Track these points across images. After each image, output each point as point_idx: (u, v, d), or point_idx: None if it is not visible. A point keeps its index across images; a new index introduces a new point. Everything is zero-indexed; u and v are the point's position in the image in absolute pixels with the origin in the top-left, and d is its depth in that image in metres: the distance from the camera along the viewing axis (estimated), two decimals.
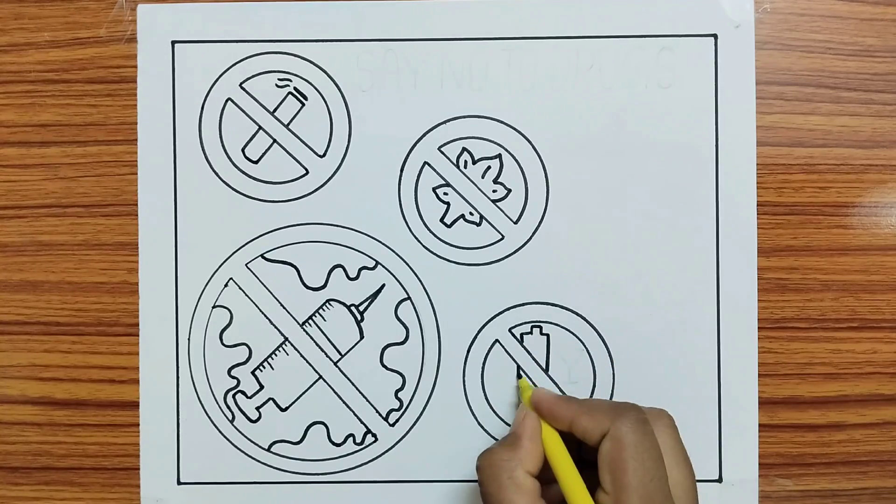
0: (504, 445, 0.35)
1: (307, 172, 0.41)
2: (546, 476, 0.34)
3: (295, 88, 0.41)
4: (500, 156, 0.41)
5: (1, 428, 0.42)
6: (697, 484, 0.40)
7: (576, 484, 0.33)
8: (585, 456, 0.35)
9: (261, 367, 0.41)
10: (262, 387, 0.41)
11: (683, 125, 0.41)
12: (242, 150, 0.42)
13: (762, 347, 0.41)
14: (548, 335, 0.41)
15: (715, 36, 0.41)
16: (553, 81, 0.41)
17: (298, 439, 0.41)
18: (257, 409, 0.41)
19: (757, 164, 0.41)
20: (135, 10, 0.41)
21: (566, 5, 0.41)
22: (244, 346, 0.42)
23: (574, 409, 0.34)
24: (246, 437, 0.41)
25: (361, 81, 0.41)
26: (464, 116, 0.41)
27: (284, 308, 0.41)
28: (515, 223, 0.41)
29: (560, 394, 0.36)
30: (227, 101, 0.42)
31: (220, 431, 0.41)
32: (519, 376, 0.41)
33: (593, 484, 0.33)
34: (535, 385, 0.41)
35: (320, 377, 0.41)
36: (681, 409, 0.41)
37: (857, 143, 0.41)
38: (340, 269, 0.41)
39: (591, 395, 0.41)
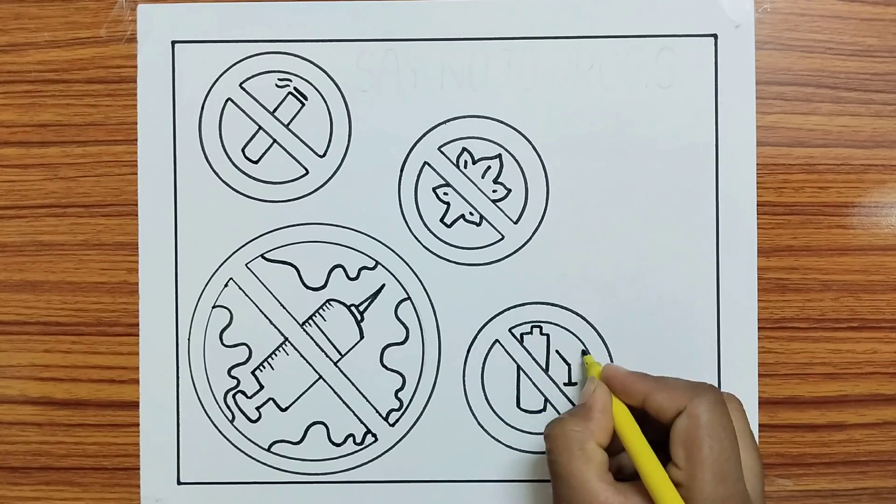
0: (575, 416, 0.35)
1: (307, 172, 0.41)
2: (612, 449, 0.35)
3: (295, 88, 0.41)
4: (500, 156, 0.41)
5: (1, 428, 0.42)
6: None
7: (649, 457, 0.33)
8: (650, 434, 0.35)
9: (261, 367, 0.41)
10: (262, 387, 0.41)
11: (683, 125, 0.41)
12: (242, 150, 0.42)
13: (762, 347, 0.41)
14: (548, 335, 0.41)
15: (715, 36, 0.41)
16: (553, 81, 0.41)
17: (298, 439, 0.41)
18: (257, 409, 0.42)
19: (757, 164, 0.41)
20: (135, 10, 0.41)
21: (566, 5, 0.41)
22: (244, 346, 0.42)
23: (650, 385, 0.35)
24: (246, 437, 0.41)
25: (361, 81, 0.41)
26: (464, 116, 0.41)
27: (284, 308, 0.41)
28: (515, 223, 0.41)
29: (631, 370, 0.36)
30: (227, 101, 0.42)
31: (220, 431, 0.41)
32: (585, 353, 0.41)
33: (661, 460, 0.33)
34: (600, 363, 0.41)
35: (320, 377, 0.41)
36: None
37: (857, 143, 0.41)
38: (340, 269, 0.41)
39: None
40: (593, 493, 0.32)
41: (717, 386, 0.34)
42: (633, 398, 0.35)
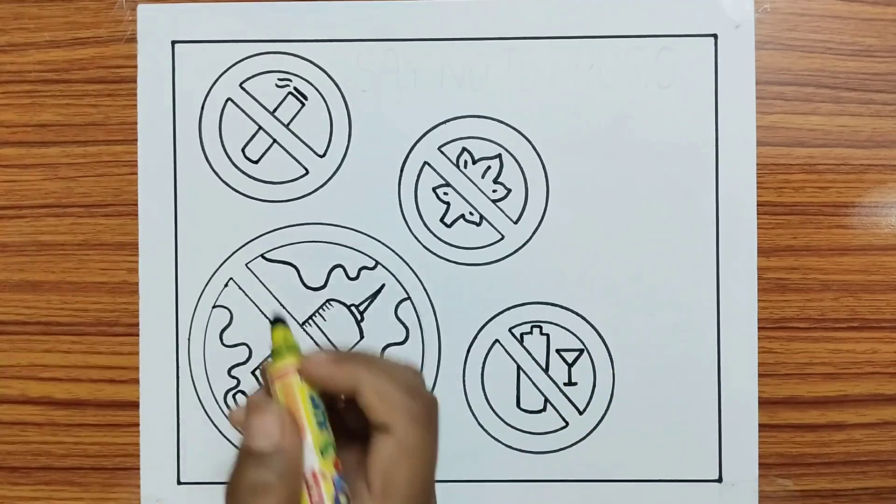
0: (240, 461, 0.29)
1: (307, 172, 0.41)
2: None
3: (295, 88, 0.41)
4: (500, 156, 0.41)
5: (1, 428, 0.42)
6: (697, 484, 0.41)
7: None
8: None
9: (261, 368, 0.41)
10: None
11: (683, 125, 0.41)
12: (242, 150, 0.42)
13: (762, 347, 0.41)
14: (548, 335, 0.41)
15: (715, 36, 0.41)
16: (553, 81, 0.41)
17: None
18: None
19: (757, 164, 0.41)
20: (135, 10, 0.41)
21: (566, 5, 0.41)
22: (244, 346, 0.42)
23: (355, 380, 0.29)
24: None
25: (361, 81, 0.41)
26: (464, 116, 0.41)
27: (284, 308, 0.41)
28: (515, 223, 0.41)
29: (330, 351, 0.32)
30: (227, 101, 0.41)
31: (220, 431, 0.41)
32: (278, 321, 0.31)
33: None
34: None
35: None
36: (681, 409, 0.41)
37: (857, 143, 0.41)
38: (340, 269, 0.41)
39: (591, 396, 0.41)
40: None
41: (426, 391, 0.30)
42: (339, 388, 0.30)
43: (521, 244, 0.41)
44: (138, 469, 0.41)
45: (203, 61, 0.41)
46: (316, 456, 0.29)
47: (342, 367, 0.30)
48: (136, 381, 0.41)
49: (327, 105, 0.41)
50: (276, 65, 0.41)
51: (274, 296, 0.41)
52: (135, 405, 0.41)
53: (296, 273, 0.42)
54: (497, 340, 0.41)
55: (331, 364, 0.30)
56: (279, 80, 0.41)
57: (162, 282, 0.41)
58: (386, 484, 0.29)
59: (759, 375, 0.41)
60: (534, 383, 0.41)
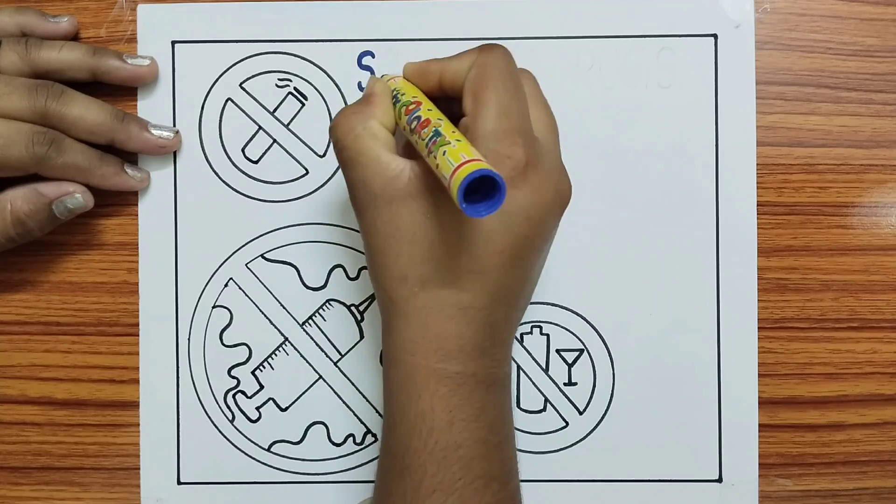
0: (354, 104, 0.34)
1: (307, 172, 0.41)
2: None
3: (295, 88, 0.41)
4: None
5: (1, 428, 0.42)
6: (697, 484, 0.41)
7: (433, 107, 0.32)
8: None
9: (261, 367, 0.41)
10: (262, 387, 0.41)
11: (683, 125, 0.41)
12: (242, 150, 0.42)
13: (762, 347, 0.41)
14: (548, 335, 0.41)
15: (715, 36, 0.41)
16: (553, 81, 0.41)
17: (298, 439, 0.41)
18: (257, 409, 0.42)
19: (757, 164, 0.41)
20: (135, 10, 0.41)
21: (566, 5, 0.41)
22: (244, 346, 0.42)
23: (443, 61, 0.34)
24: (246, 437, 0.41)
25: (361, 81, 0.41)
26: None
27: (284, 308, 0.41)
28: None
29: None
30: (227, 101, 0.41)
31: (220, 431, 0.41)
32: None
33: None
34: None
35: (320, 377, 0.41)
36: (681, 409, 0.41)
37: (857, 143, 0.41)
38: (340, 269, 0.41)
39: (591, 396, 0.41)
40: (384, 164, 0.31)
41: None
42: (432, 77, 0.34)
43: None
44: (138, 469, 0.41)
45: (203, 61, 0.41)
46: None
47: (429, 62, 0.34)
48: (136, 381, 0.41)
49: (327, 105, 0.41)
50: (276, 65, 0.41)
51: (274, 296, 0.41)
52: (135, 405, 0.42)
53: (296, 273, 0.42)
54: None
55: (421, 62, 0.35)
56: (279, 80, 0.41)
57: (162, 282, 0.41)
58: (475, 97, 0.32)
59: (759, 375, 0.41)
60: (534, 383, 0.41)
